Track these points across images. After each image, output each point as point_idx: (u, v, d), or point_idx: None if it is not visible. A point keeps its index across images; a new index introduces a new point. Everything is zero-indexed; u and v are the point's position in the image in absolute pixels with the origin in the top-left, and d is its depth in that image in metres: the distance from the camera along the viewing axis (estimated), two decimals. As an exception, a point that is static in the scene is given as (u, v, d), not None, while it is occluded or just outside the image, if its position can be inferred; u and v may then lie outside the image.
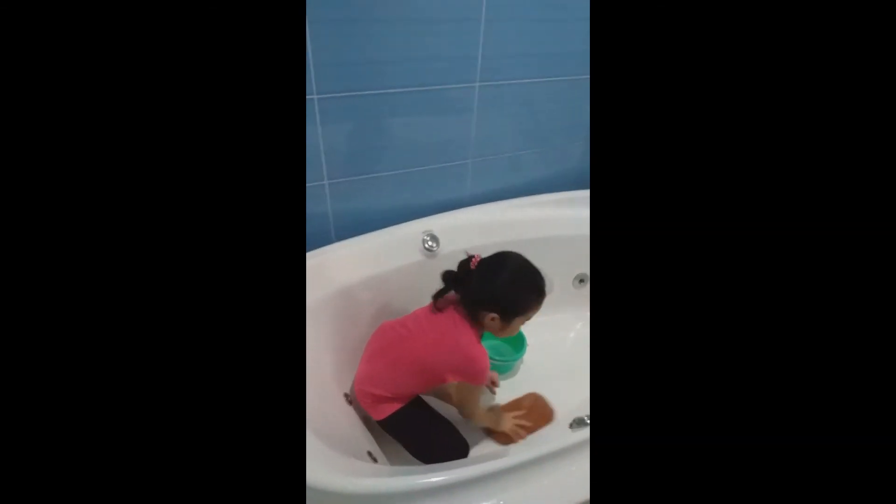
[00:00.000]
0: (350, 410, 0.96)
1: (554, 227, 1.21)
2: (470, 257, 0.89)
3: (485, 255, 0.90)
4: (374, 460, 0.88)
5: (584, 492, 0.66)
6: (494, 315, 0.86)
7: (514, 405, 1.10)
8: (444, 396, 1.06)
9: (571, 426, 1.06)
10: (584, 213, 1.20)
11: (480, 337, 0.91)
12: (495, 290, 0.85)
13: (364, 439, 0.93)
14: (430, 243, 1.11)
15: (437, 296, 0.92)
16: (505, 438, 1.03)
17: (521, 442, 1.03)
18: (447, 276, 0.90)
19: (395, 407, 0.92)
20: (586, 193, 1.26)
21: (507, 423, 1.02)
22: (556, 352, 1.23)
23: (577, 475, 0.68)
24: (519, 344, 1.19)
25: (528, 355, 1.20)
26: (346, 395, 0.97)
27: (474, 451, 0.99)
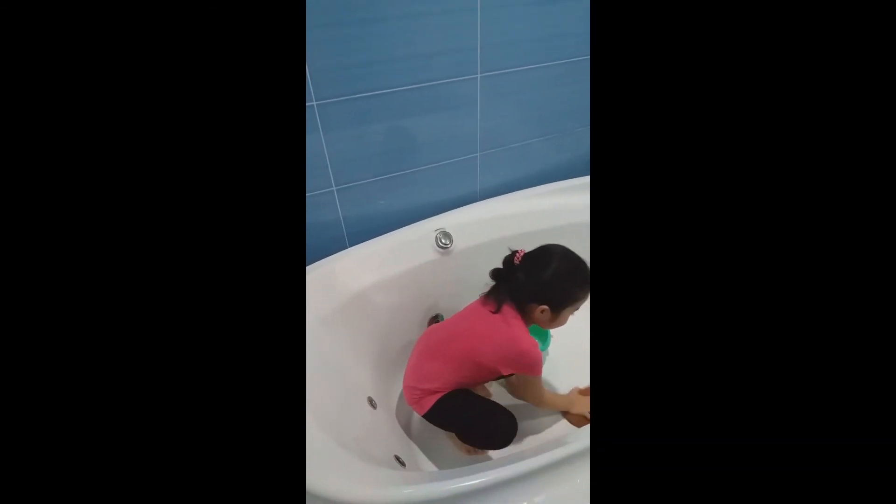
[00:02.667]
0: (375, 414, 0.96)
1: (571, 214, 1.18)
2: (513, 252, 0.90)
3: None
4: (403, 464, 0.88)
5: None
6: (544, 307, 0.87)
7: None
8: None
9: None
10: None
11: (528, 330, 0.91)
12: (543, 283, 0.86)
13: (391, 443, 0.93)
14: (443, 241, 1.10)
15: (489, 294, 0.92)
16: (579, 420, 1.02)
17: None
18: (495, 274, 0.91)
19: (438, 396, 0.92)
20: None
21: (582, 406, 1.01)
22: (579, 341, 1.20)
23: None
24: (543, 336, 1.17)
25: (552, 346, 1.17)
26: (369, 399, 0.97)
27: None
